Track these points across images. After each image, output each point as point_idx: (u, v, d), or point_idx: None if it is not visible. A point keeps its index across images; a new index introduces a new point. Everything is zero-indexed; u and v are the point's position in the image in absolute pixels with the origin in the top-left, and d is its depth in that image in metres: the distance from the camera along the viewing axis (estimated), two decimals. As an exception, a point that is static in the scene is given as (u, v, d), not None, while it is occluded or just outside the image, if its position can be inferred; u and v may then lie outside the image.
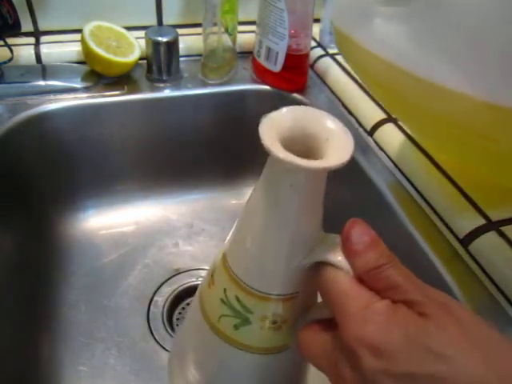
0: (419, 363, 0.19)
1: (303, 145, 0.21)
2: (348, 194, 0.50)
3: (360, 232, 0.22)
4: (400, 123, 0.50)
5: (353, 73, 0.59)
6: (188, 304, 0.56)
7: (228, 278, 0.26)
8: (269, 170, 0.23)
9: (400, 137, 0.48)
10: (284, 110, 0.23)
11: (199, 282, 0.57)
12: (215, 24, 0.55)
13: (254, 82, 0.60)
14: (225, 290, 0.26)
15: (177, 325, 0.54)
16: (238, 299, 0.26)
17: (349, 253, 0.22)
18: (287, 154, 0.20)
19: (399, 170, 0.47)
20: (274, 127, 0.22)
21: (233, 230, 0.27)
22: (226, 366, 0.29)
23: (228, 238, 0.28)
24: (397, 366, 0.19)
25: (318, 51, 0.64)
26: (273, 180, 0.23)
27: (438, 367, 0.19)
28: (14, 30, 0.52)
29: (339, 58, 0.62)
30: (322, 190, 0.23)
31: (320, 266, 0.23)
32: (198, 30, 0.59)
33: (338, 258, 0.22)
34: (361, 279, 0.22)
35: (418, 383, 0.19)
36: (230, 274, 0.26)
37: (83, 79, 0.56)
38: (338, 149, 0.21)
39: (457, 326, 0.19)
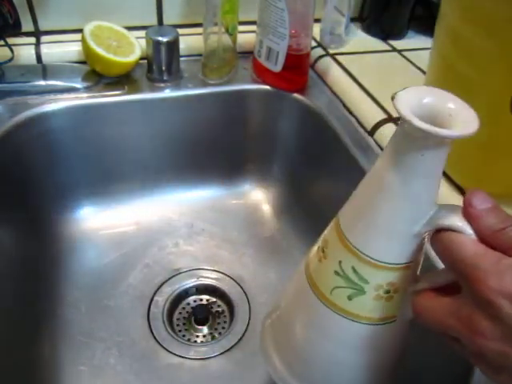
0: None
1: (428, 121, 0.23)
2: (348, 193, 0.50)
3: (482, 198, 0.24)
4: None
5: (353, 73, 0.59)
6: (188, 304, 0.56)
7: (344, 250, 0.27)
8: (399, 140, 0.25)
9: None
10: (410, 89, 0.25)
11: (200, 282, 0.57)
12: (216, 24, 0.55)
13: (255, 81, 0.60)
14: (340, 262, 0.28)
15: (177, 325, 0.54)
16: (354, 270, 0.27)
17: (472, 217, 0.24)
18: (426, 124, 0.22)
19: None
20: (404, 102, 0.23)
21: (348, 203, 0.29)
22: (333, 336, 0.30)
23: (341, 212, 0.29)
24: None
25: (319, 51, 0.64)
26: (403, 150, 0.24)
27: None
28: (15, 29, 0.52)
29: (339, 57, 0.62)
30: (444, 160, 0.24)
31: (440, 232, 0.24)
32: (199, 29, 0.59)
33: (460, 223, 0.24)
34: (483, 242, 0.23)
35: None
36: (346, 245, 0.27)
37: (84, 79, 0.56)
38: (462, 122, 0.23)
39: None
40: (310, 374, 0.33)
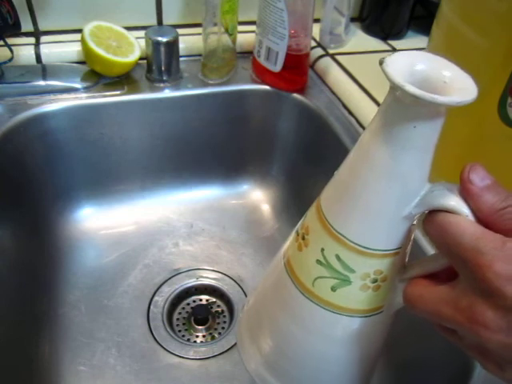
0: None
1: (421, 88, 0.21)
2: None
3: (481, 175, 0.22)
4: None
5: (353, 73, 0.59)
6: (188, 304, 0.56)
7: (327, 236, 0.25)
8: (388, 110, 0.22)
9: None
10: (398, 54, 0.22)
11: (199, 282, 0.57)
12: (215, 24, 0.55)
13: (254, 82, 0.60)
14: (322, 249, 0.25)
15: (177, 325, 0.54)
16: (338, 258, 0.25)
17: (472, 195, 0.21)
18: (420, 90, 0.20)
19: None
20: (395, 67, 0.21)
21: (330, 185, 0.26)
22: (316, 330, 0.28)
23: (323, 194, 0.27)
24: None
25: (318, 51, 0.64)
26: (393, 120, 0.22)
27: None
28: (14, 30, 0.52)
29: (339, 57, 0.62)
30: (439, 133, 0.22)
31: (434, 214, 0.22)
32: (198, 29, 0.59)
33: (456, 202, 0.21)
34: (483, 222, 0.21)
35: None
36: (329, 230, 0.25)
37: (83, 79, 0.56)
38: (459, 89, 0.21)
39: None
40: (291, 370, 0.31)
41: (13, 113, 0.52)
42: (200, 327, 0.54)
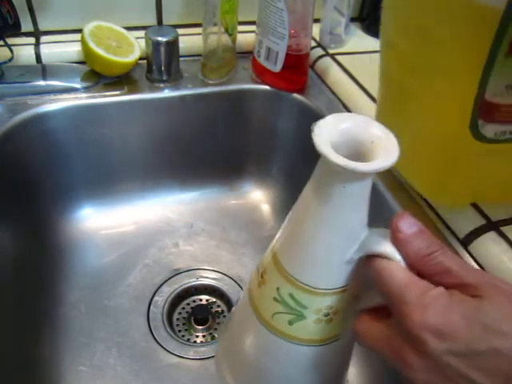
0: (479, 340, 0.21)
1: (350, 148, 0.23)
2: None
3: (409, 223, 0.24)
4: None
5: (353, 73, 0.59)
6: (188, 304, 0.56)
7: (281, 278, 0.28)
8: (321, 172, 0.25)
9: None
10: (330, 117, 0.25)
11: (199, 282, 0.57)
12: (215, 24, 0.55)
13: (254, 81, 0.60)
14: (278, 288, 0.28)
15: (177, 325, 0.54)
16: (292, 296, 0.27)
17: (400, 242, 0.24)
18: (344, 160, 0.22)
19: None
20: (324, 134, 0.23)
21: (282, 230, 0.29)
22: (280, 359, 0.31)
23: (277, 238, 0.29)
24: (460, 344, 0.21)
25: (318, 51, 0.64)
26: (326, 182, 0.24)
27: (496, 343, 0.21)
28: (14, 30, 0.52)
29: (339, 57, 0.62)
30: (369, 188, 0.25)
31: (371, 258, 0.25)
32: (198, 29, 0.59)
33: (389, 249, 0.24)
34: (412, 266, 0.23)
35: (481, 358, 0.21)
36: (282, 273, 0.28)
37: (83, 79, 0.56)
38: (383, 151, 0.23)
39: (510, 304, 0.21)
40: None
41: (13, 113, 0.52)
42: (200, 327, 0.54)
